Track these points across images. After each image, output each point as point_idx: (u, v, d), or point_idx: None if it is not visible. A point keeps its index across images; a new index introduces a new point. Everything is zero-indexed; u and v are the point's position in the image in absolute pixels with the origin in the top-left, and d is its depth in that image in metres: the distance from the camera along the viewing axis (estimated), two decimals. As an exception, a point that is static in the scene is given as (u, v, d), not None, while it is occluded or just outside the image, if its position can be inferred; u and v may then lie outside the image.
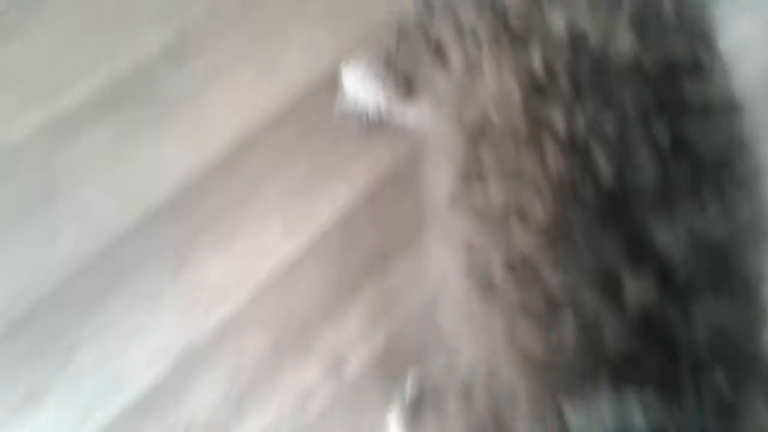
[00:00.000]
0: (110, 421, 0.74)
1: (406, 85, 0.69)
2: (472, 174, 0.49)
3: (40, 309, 0.76)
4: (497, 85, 0.48)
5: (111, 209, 0.81)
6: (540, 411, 0.39)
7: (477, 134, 0.50)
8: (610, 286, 0.41)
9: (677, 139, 0.44)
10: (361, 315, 0.85)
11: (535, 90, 0.46)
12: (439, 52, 0.56)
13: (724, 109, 0.48)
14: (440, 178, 0.55)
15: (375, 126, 0.87)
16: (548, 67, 0.44)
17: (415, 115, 0.74)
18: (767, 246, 0.47)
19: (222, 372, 0.78)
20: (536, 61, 0.45)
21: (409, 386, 0.73)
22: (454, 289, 0.51)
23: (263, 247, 0.84)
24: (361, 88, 0.81)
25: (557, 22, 0.45)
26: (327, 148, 0.89)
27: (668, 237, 0.42)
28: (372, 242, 0.86)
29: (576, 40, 0.45)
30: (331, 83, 0.89)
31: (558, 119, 0.44)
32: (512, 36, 0.47)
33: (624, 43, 0.44)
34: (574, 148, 0.44)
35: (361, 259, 0.86)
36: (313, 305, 0.84)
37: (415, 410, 0.70)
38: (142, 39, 0.88)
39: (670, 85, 0.45)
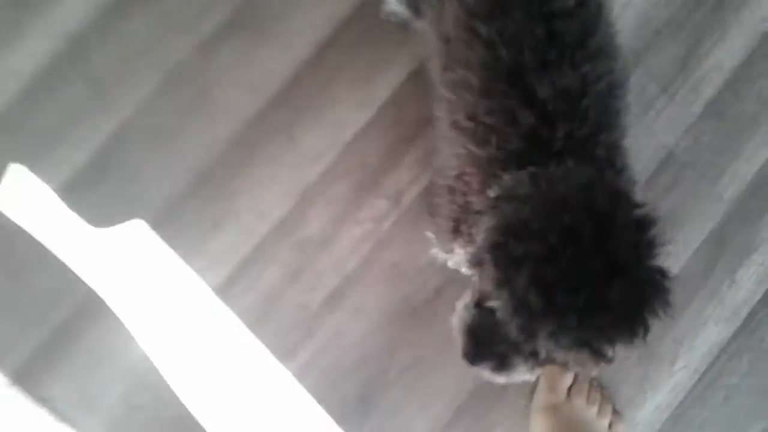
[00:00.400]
0: (260, 240, 1.09)
1: (415, 8, 0.96)
2: (446, 66, 0.78)
3: (214, 170, 1.09)
4: (452, 13, 0.76)
5: (246, 101, 1.10)
6: (483, 188, 0.71)
7: (446, 42, 0.77)
8: (513, 118, 0.70)
9: (550, 33, 0.69)
10: (413, 161, 1.14)
11: (470, 13, 0.73)
12: None
13: (582, 10, 0.72)
14: (433, 69, 0.84)
15: (410, 29, 1.10)
16: (476, 4, 0.72)
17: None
18: (616, 91, 0.75)
19: (324, 204, 1.11)
20: (469, 2, 0.73)
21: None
22: (443, 131, 0.82)
23: (344, 118, 1.13)
24: (394, 3, 1.06)
25: None
26: (378, 46, 1.14)
27: (544, 90, 0.69)
28: (417, 111, 1.13)
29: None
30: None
31: (482, 29, 0.71)
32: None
33: None
34: (489, 44, 0.71)
35: (410, 123, 1.13)
36: (380, 157, 1.13)
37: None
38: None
39: (546, 3, 0.70)
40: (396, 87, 1.15)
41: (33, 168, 1.06)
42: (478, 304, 0.65)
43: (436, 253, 1.09)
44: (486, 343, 0.64)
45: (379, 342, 1.12)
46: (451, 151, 0.81)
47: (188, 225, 1.09)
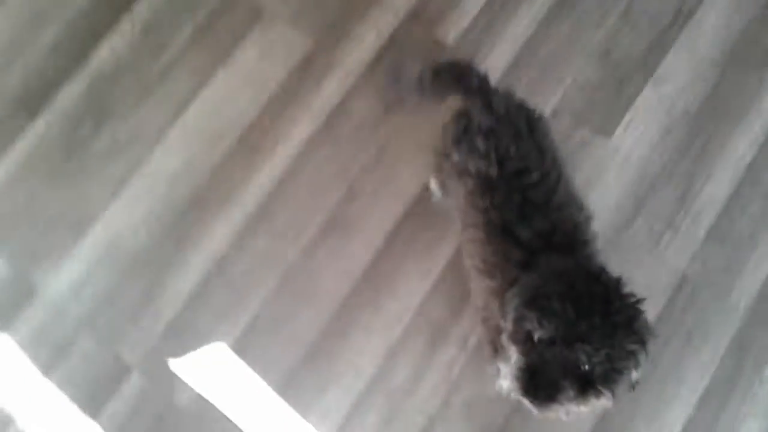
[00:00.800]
0: (359, 395, 1.38)
1: (445, 191, 1.29)
2: (463, 228, 1.11)
3: (320, 343, 1.41)
4: (461, 193, 1.08)
5: (340, 285, 1.43)
6: (499, 306, 0.96)
7: (462, 212, 1.10)
8: (508, 256, 0.99)
9: (524, 198, 1.00)
10: (472, 311, 1.41)
11: (471, 192, 1.05)
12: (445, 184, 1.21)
13: (545, 180, 1.02)
14: (459, 227, 1.15)
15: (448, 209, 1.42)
16: (474, 186, 1.04)
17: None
18: (580, 228, 1.03)
19: (406, 358, 1.40)
20: (470, 184, 1.05)
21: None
22: (470, 275, 1.12)
23: (413, 287, 1.44)
24: (437, 191, 1.40)
25: (472, 166, 1.05)
26: (432, 228, 1.47)
27: (524, 233, 0.99)
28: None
29: (482, 173, 1.03)
30: (427, 188, 1.48)
31: (479, 202, 1.03)
32: (460, 173, 1.08)
33: (493, 168, 1.03)
34: (486, 211, 1.02)
35: (465, 282, 1.27)
36: (445, 312, 1.43)
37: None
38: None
39: (523, 177, 1.01)
40: (449, 256, 1.48)
41: (191, 358, 1.43)
42: (522, 353, 0.84)
43: (500, 384, 1.35)
44: (538, 375, 0.81)
45: (464, 471, 1.36)
46: (477, 288, 1.11)
47: (303, 389, 1.41)
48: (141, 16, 1.63)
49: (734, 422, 1.40)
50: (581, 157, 1.57)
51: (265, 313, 1.45)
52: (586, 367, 0.79)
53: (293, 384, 1.42)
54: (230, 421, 1.40)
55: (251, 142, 1.53)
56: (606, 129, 1.57)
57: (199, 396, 1.41)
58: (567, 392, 0.80)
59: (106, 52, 1.63)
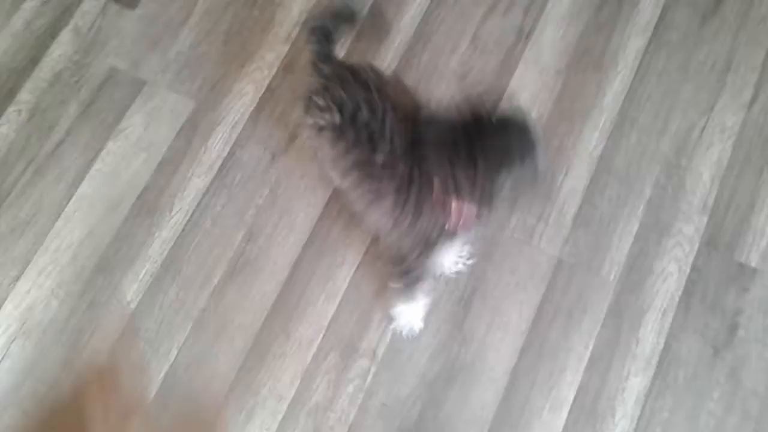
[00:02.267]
0: (283, 417, 1.48)
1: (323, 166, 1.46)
2: (342, 178, 1.27)
3: (240, 376, 1.50)
4: (325, 148, 1.26)
5: (251, 320, 1.55)
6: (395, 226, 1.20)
7: (334, 168, 1.29)
8: (393, 168, 1.17)
9: (369, 134, 1.17)
10: (376, 324, 1.55)
11: (330, 144, 1.23)
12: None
13: (386, 116, 1.19)
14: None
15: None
16: (331, 135, 1.22)
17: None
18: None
19: (322, 376, 1.51)
20: (328, 136, 1.22)
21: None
22: (366, 212, 1.30)
23: (320, 310, 1.56)
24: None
25: (321, 120, 1.23)
26: (332, 252, 1.62)
27: (384, 148, 1.17)
28: (369, 290, 1.57)
29: (330, 123, 1.20)
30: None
31: (340, 146, 1.21)
32: (317, 132, 1.25)
33: (336, 115, 1.19)
34: (348, 153, 1.20)
35: (367, 299, 1.56)
36: (352, 328, 1.55)
37: None
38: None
39: (358, 116, 1.19)
40: (350, 278, 1.62)
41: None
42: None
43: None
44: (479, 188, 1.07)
45: (390, 470, 1.48)
46: (374, 220, 1.29)
47: (229, 423, 1.50)
48: (26, 102, 1.73)
49: (619, 382, 1.56)
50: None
51: (183, 359, 1.55)
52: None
53: (219, 418, 1.50)
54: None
55: (149, 202, 1.64)
56: (472, 142, 1.76)
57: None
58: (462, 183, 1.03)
59: (-5, 142, 1.71)
